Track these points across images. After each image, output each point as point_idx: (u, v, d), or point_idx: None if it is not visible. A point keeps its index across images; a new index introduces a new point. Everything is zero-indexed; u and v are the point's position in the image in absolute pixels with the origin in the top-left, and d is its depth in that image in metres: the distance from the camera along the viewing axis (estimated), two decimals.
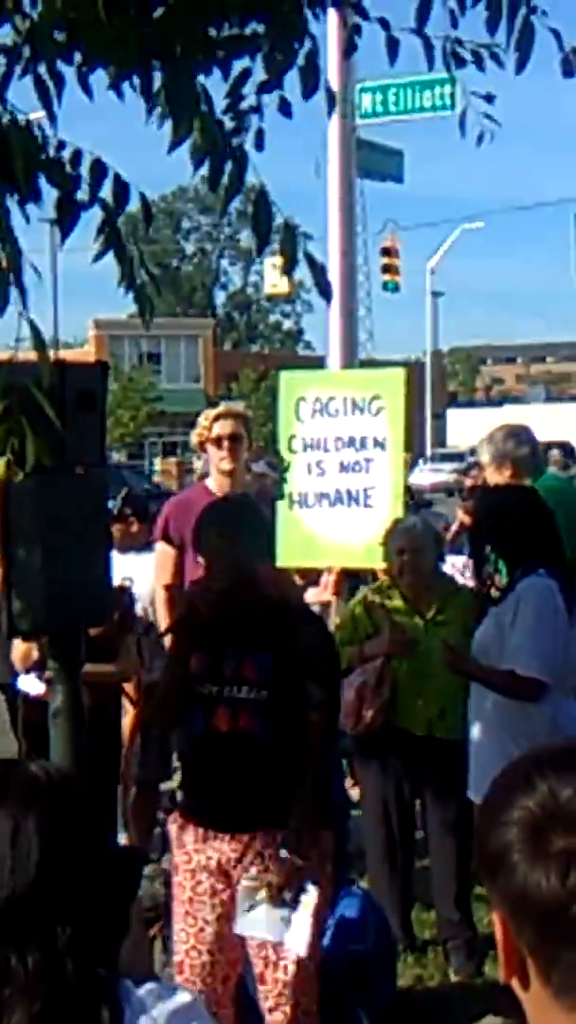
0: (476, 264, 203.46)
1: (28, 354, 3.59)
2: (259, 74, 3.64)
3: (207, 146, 3.46)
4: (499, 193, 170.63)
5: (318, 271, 3.67)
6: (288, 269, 3.65)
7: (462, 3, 3.88)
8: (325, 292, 3.75)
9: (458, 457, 43.77)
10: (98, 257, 3.61)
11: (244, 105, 3.61)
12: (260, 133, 3.63)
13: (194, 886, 4.70)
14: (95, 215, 3.60)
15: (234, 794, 4.61)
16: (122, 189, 3.61)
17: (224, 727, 4.64)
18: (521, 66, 3.93)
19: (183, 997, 2.04)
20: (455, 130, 4.24)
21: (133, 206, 3.70)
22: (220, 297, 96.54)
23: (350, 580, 7.80)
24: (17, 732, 7.49)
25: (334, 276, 10.28)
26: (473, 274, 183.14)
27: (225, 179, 3.55)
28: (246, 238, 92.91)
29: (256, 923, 4.57)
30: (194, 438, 7.42)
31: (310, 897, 4.56)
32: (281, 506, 7.48)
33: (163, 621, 7.19)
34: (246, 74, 3.56)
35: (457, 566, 7.92)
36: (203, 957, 4.70)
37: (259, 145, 3.60)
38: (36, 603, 4.68)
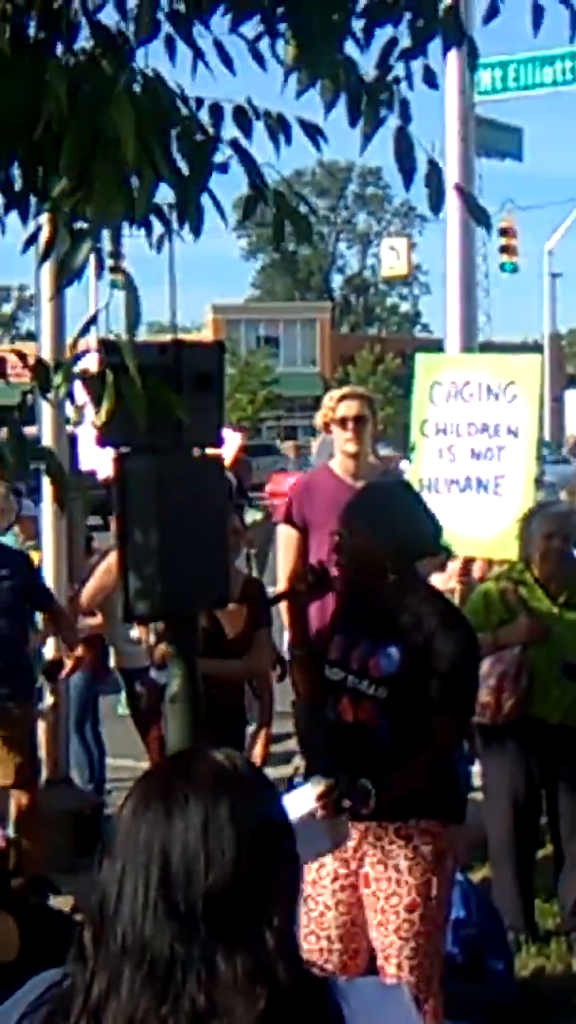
0: None
1: (150, 337, 3.58)
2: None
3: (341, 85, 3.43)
4: None
5: (469, 200, 4.07)
6: (435, 206, 3.61)
7: None
8: (482, 220, 3.99)
9: None
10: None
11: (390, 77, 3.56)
12: (404, 104, 3.56)
13: (318, 868, 4.54)
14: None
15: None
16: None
17: (349, 717, 4.53)
18: None
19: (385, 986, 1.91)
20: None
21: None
22: (337, 280, 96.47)
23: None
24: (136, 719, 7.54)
25: (453, 258, 10.13)
26: None
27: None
28: (363, 221, 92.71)
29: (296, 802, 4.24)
30: (319, 419, 7.33)
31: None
32: None
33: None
34: (393, 43, 3.50)
35: None
36: (321, 943, 4.56)
37: (404, 116, 3.53)
38: (152, 587, 4.62)
